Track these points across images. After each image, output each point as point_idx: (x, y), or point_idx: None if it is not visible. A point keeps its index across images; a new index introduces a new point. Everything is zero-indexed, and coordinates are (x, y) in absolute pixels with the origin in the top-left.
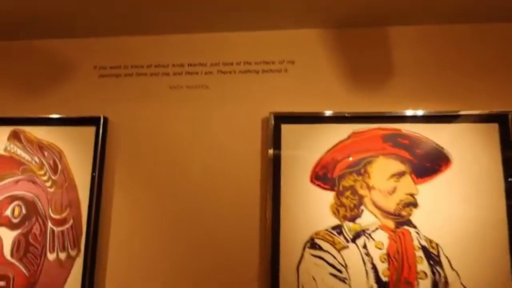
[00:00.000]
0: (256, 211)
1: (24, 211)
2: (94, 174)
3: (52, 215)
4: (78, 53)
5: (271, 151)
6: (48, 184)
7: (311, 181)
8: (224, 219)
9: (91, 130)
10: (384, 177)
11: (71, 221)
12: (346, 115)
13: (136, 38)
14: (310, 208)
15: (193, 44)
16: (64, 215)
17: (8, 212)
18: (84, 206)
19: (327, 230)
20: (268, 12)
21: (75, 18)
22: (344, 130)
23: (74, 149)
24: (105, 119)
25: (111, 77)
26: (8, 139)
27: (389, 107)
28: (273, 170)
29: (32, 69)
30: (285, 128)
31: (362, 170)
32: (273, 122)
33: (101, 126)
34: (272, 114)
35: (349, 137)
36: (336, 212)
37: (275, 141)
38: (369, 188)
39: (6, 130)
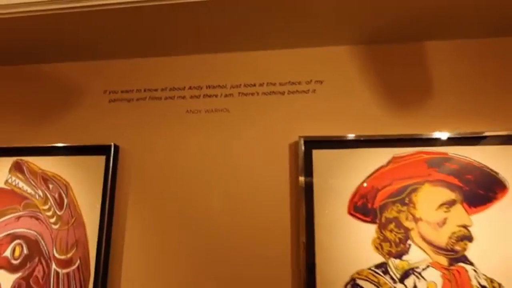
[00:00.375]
0: (287, 248)
1: (25, 251)
2: (103, 208)
3: (56, 255)
4: (87, 76)
5: (302, 180)
6: (53, 220)
7: (349, 212)
8: (250, 257)
9: (100, 159)
10: (432, 207)
11: (78, 262)
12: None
13: (149, 59)
14: (350, 244)
15: (211, 65)
16: (70, 255)
17: (7, 253)
18: (92, 245)
19: (370, 268)
20: (292, 28)
21: (83, 41)
22: (382, 155)
23: (82, 181)
24: (116, 147)
25: (122, 101)
26: (10, 171)
27: (430, 128)
28: (305, 201)
29: (37, 95)
30: (316, 153)
31: (407, 200)
32: (303, 147)
33: (111, 155)
34: (301, 138)
35: (389, 162)
36: (379, 248)
37: (306, 168)
38: (415, 219)
39: (8, 161)
